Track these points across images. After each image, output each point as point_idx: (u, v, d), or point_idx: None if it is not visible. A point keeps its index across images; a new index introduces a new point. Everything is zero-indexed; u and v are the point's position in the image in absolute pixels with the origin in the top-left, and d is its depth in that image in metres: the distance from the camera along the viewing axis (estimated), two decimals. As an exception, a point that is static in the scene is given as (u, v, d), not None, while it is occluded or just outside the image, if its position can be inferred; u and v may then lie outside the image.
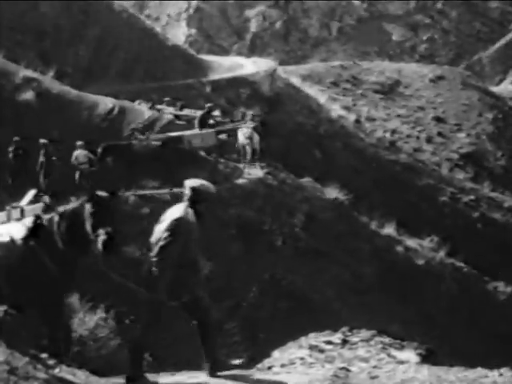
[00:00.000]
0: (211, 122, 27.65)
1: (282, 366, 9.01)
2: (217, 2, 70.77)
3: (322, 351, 9.51)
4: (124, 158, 24.18)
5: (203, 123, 27.02)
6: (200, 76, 39.68)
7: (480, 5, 72.09)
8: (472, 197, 38.10)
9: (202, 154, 26.61)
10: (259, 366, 9.37)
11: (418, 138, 44.85)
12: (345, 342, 9.62)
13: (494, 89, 56.64)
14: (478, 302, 27.24)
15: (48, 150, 23.41)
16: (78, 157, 23.73)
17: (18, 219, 8.83)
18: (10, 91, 27.45)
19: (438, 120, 46.97)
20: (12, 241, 8.18)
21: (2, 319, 8.41)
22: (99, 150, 24.24)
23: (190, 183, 8.41)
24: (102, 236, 7.82)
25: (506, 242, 34.01)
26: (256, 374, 8.66)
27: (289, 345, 10.00)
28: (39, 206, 9.67)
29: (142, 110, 29.00)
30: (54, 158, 23.39)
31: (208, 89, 38.20)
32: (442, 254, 28.84)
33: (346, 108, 44.93)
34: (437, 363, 9.02)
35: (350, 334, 10.06)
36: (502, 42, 70.25)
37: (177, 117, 28.90)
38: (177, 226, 8.03)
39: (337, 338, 9.85)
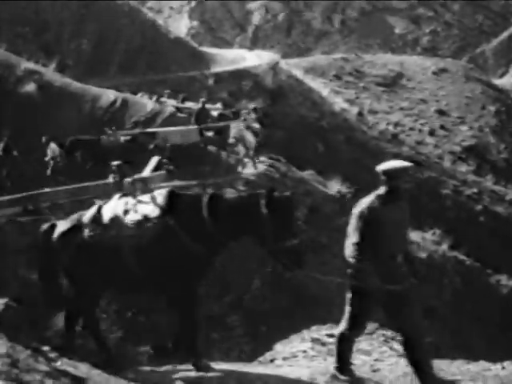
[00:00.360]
0: (214, 114, 27.47)
1: (284, 359, 9.01)
2: (219, -5, 70.70)
3: (324, 344, 9.51)
4: (92, 152, 23.93)
5: (199, 119, 26.75)
6: (202, 68, 39.66)
7: (483, -3, 71.98)
8: (475, 190, 38.03)
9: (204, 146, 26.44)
10: (261, 359, 9.37)
11: (420, 130, 44.80)
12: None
13: (497, 81, 56.57)
14: (481, 295, 27.21)
15: (8, 145, 23.40)
16: (54, 150, 23.72)
17: (144, 191, 8.38)
18: (12, 83, 27.45)
19: (441, 113, 46.91)
20: (146, 219, 7.71)
21: (4, 312, 8.39)
22: (66, 144, 24.05)
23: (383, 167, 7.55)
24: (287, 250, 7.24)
25: (509, 235, 33.96)
26: (258, 366, 8.65)
27: (291, 338, 10.01)
28: (161, 174, 9.06)
29: (145, 103, 28.96)
30: (14, 153, 23.34)
31: (210, 81, 38.17)
32: (444, 246, 28.80)
33: (349, 101, 44.89)
34: (439, 356, 9.01)
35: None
36: (505, 34, 70.12)
37: (178, 109, 28.82)
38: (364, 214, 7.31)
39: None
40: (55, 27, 37.27)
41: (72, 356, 7.69)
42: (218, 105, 29.60)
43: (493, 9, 72.22)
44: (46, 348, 7.59)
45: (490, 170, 42.53)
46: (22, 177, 22.58)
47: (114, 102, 28.13)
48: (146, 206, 7.81)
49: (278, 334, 10.45)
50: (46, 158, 23.62)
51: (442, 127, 45.61)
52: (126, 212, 7.88)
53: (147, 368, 8.66)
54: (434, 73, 51.13)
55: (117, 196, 8.22)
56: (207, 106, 28.26)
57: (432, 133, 44.88)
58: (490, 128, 46.28)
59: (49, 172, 23.61)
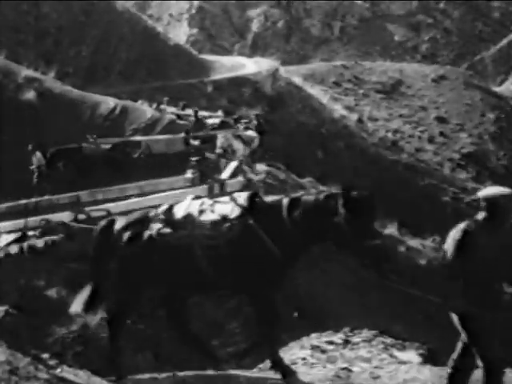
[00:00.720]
0: (212, 122, 27.39)
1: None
2: (219, 2, 70.72)
3: (323, 351, 9.52)
4: (74, 161, 23.74)
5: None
6: (202, 76, 39.67)
7: (482, 5, 71.99)
8: (474, 197, 38.03)
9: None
10: (261, 366, 9.38)
11: (420, 137, 44.81)
12: (346, 342, 9.64)
13: (497, 89, 56.60)
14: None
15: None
16: (39, 159, 23.55)
17: (222, 194, 8.18)
18: (12, 91, 27.48)
19: (440, 120, 46.92)
20: (224, 219, 7.50)
21: (4, 319, 8.38)
22: (48, 155, 23.87)
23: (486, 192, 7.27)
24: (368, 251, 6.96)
25: (508, 242, 33.94)
26: (258, 373, 8.66)
27: (291, 345, 10.02)
28: (240, 180, 8.84)
29: (144, 110, 28.95)
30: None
31: (210, 88, 38.19)
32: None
33: (348, 108, 44.90)
34: (438, 363, 9.03)
35: (351, 334, 10.08)
36: (505, 42, 70.16)
37: (179, 117, 28.76)
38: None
39: (338, 338, 9.87)
40: (55, 34, 37.31)
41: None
42: (219, 112, 29.53)
43: (492, 16, 72.29)
44: (45, 355, 7.61)
45: (490, 177, 42.53)
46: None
47: (114, 109, 28.13)
48: (224, 207, 7.62)
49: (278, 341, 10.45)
50: (32, 167, 23.40)
51: (442, 134, 45.62)
52: (201, 212, 7.68)
53: (147, 375, 8.68)
54: (434, 80, 51.15)
55: (190, 197, 8.10)
56: (206, 114, 28.19)
57: (431, 140, 44.89)
58: (490, 135, 46.30)
59: (35, 181, 23.37)
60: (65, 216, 9.02)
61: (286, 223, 7.28)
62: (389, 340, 9.90)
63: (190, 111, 29.82)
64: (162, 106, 30.12)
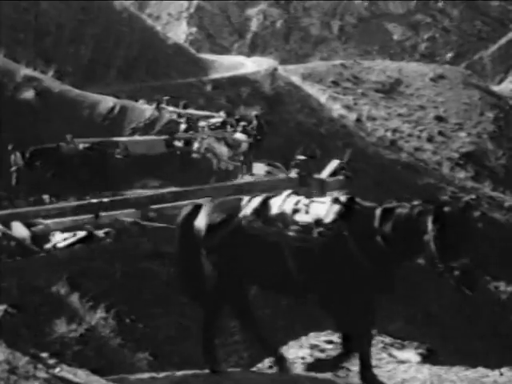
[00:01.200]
0: (213, 121, 27.34)
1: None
2: (217, 1, 70.74)
3: (322, 351, 9.51)
4: (52, 160, 23.69)
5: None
6: (201, 75, 39.67)
7: (481, 4, 72.01)
8: (473, 196, 38.07)
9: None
10: (260, 365, 9.37)
11: (418, 137, 44.83)
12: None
13: (495, 88, 56.61)
14: (480, 302, 27.22)
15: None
16: (17, 159, 23.50)
17: (320, 193, 7.79)
18: (11, 90, 27.48)
19: (439, 119, 46.94)
20: (317, 223, 7.16)
21: (3, 318, 8.34)
22: (27, 155, 23.83)
23: None
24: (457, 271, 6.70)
25: (507, 242, 33.98)
26: (256, 372, 8.66)
27: (290, 344, 10.01)
28: (340, 179, 8.30)
29: (143, 109, 28.98)
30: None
31: (209, 87, 38.18)
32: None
33: (347, 107, 44.92)
34: (437, 363, 9.02)
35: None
36: (503, 41, 70.17)
37: (180, 116, 28.76)
38: None
39: (337, 337, 9.86)
40: (54, 33, 37.30)
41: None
42: (222, 113, 29.49)
43: (491, 15, 72.30)
44: (44, 354, 7.59)
45: (488, 177, 42.57)
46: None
47: (113, 108, 28.16)
48: (320, 209, 7.26)
49: (277, 340, 10.46)
50: (12, 169, 23.30)
51: (441, 133, 45.64)
52: (294, 211, 7.35)
53: (146, 374, 8.67)
54: (432, 79, 51.16)
55: (286, 193, 7.68)
56: (209, 114, 28.17)
57: (430, 139, 44.91)
58: (488, 134, 46.31)
59: (13, 182, 23.23)
60: (132, 214, 8.62)
61: (377, 235, 6.99)
62: (388, 339, 9.90)
63: (191, 110, 29.87)
64: (163, 106, 30.21)
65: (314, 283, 7.35)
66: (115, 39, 38.88)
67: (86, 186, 21.73)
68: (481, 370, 8.65)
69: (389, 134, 43.88)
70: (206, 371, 8.17)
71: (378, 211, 7.11)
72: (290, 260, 7.25)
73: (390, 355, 9.37)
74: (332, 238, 7.08)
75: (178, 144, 25.76)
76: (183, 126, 26.79)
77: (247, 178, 25.13)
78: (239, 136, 26.04)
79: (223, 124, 27.58)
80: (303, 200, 7.47)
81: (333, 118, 41.48)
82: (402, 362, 9.14)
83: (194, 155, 25.50)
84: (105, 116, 27.85)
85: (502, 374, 8.46)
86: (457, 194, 37.68)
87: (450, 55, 68.58)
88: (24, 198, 21.28)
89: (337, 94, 46.36)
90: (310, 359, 9.14)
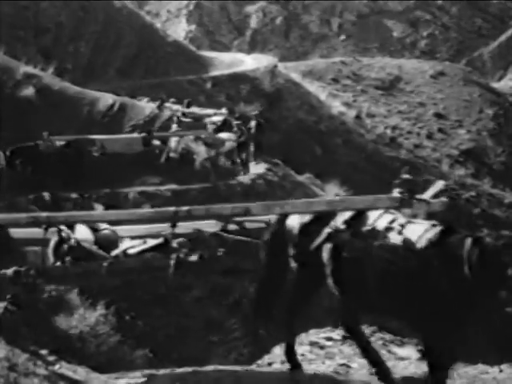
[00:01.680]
0: (214, 119, 27.24)
1: (283, 362, 9.01)
2: (217, -2, 70.71)
3: (322, 347, 9.51)
4: (31, 159, 23.69)
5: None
6: (200, 72, 39.65)
7: (481, 1, 71.99)
8: (472, 193, 38.09)
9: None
10: (259, 362, 9.37)
11: (418, 134, 44.84)
12: (345, 338, 9.62)
13: (495, 85, 56.60)
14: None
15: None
16: (1, 158, 23.45)
17: (423, 215, 7.63)
18: (11, 87, 27.48)
19: (439, 116, 46.95)
20: (407, 246, 6.74)
21: (2, 315, 8.33)
22: (7, 154, 23.80)
23: None
24: None
25: (507, 238, 33.97)
26: (256, 370, 8.66)
27: (289, 341, 9.99)
28: (444, 201, 7.90)
29: (143, 107, 28.96)
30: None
31: (208, 85, 38.16)
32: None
33: (347, 104, 44.92)
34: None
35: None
36: (503, 37, 70.14)
37: (184, 114, 28.65)
38: None
39: (337, 334, 9.86)
40: (54, 31, 37.28)
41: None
42: (223, 110, 29.36)
43: (491, 12, 72.26)
44: (44, 351, 7.60)
45: (488, 174, 42.57)
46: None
47: (112, 105, 28.15)
48: (414, 232, 6.89)
49: (276, 337, 10.46)
50: None
51: (440, 130, 45.65)
52: (387, 229, 7.01)
53: (145, 372, 8.67)
54: (432, 76, 51.15)
55: (382, 210, 7.33)
56: (211, 111, 28.04)
57: (430, 136, 44.92)
58: (488, 131, 46.32)
59: None
60: (211, 226, 8.37)
61: (464, 265, 6.61)
62: (388, 336, 9.90)
63: (195, 109, 29.70)
64: (167, 104, 30.05)
65: (390, 303, 7.08)
66: (115, 37, 38.86)
67: (63, 184, 21.87)
68: (480, 367, 8.65)
69: (388, 131, 43.90)
70: (205, 368, 8.17)
71: (468, 242, 6.74)
72: (370, 279, 6.95)
73: (390, 352, 9.37)
74: (418, 266, 6.77)
75: (156, 142, 25.63)
76: (175, 126, 26.71)
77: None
78: (223, 135, 25.88)
79: (225, 122, 27.46)
80: (400, 219, 7.16)
81: (332, 115, 41.48)
82: (402, 358, 9.14)
83: (172, 154, 25.43)
84: (104, 113, 27.84)
85: (501, 371, 8.47)
86: (457, 191, 37.69)
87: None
88: (5, 198, 21.14)
89: (336, 91, 46.37)
90: (310, 356, 9.14)
